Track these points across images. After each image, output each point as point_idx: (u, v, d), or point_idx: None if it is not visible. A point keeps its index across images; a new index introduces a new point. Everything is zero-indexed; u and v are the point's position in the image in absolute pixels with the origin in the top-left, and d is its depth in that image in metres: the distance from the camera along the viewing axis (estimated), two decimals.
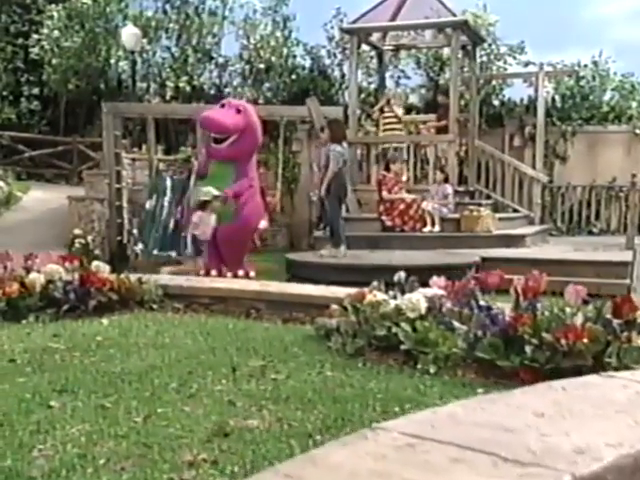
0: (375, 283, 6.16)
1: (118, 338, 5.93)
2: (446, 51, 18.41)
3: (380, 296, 5.46)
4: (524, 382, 4.44)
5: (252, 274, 11.75)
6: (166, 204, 13.67)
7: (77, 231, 14.16)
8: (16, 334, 6.15)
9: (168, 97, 20.02)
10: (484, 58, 17.94)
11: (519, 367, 4.46)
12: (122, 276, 7.24)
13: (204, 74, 20.60)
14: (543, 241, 14.45)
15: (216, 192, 10.49)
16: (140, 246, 13.01)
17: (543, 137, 16.35)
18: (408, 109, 18.41)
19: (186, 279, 7.64)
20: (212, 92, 20.41)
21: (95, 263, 7.31)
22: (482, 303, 5.03)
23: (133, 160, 17.54)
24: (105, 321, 6.63)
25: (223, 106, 11.21)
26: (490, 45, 18.26)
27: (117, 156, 14.92)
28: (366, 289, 6.02)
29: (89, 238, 14.01)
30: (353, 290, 6.65)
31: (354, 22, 15.82)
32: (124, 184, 15.37)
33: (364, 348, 5.21)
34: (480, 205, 14.15)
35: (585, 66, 17.96)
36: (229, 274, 11.82)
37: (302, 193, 16.44)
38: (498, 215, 13.97)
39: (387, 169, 13.90)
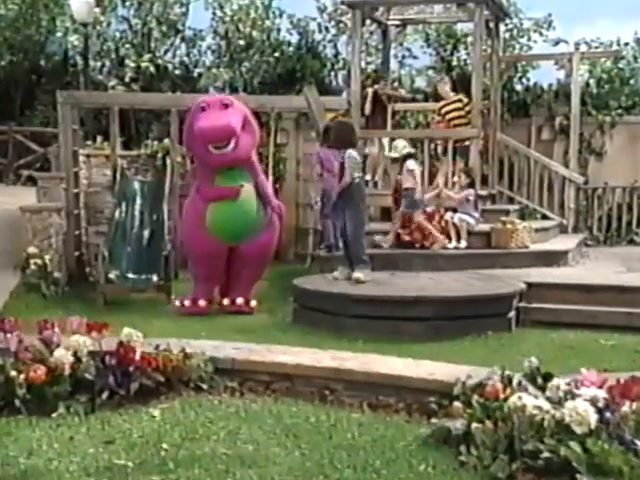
0: (496, 368, 5.90)
1: (188, 444, 5.55)
2: (460, 27, 18.19)
3: (527, 400, 5.14)
4: None
5: (253, 304, 11.43)
6: (137, 213, 13.23)
7: (32, 249, 13.53)
8: (57, 439, 5.72)
9: (127, 79, 19.46)
10: (506, 35, 17.63)
11: None
12: (162, 349, 6.85)
13: (170, 51, 20.08)
14: (583, 255, 14.18)
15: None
16: (115, 272, 12.50)
17: (578, 129, 16.10)
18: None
19: (234, 347, 7.26)
20: (179, 72, 19.94)
21: (126, 331, 6.90)
22: None
23: (88, 157, 16.98)
24: (155, 412, 6.24)
25: (204, 109, 11.03)
26: (512, 19, 17.98)
27: (75, 154, 14.42)
28: (492, 380, 5.74)
29: (47, 258, 13.43)
30: (460, 369, 6.40)
31: None
32: (80, 187, 14.87)
33: (517, 470, 4.91)
34: (508, 213, 13.90)
35: (625, 44, 17.72)
36: (225, 301, 11.48)
37: (288, 194, 16.02)
38: (534, 225, 13.62)
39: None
